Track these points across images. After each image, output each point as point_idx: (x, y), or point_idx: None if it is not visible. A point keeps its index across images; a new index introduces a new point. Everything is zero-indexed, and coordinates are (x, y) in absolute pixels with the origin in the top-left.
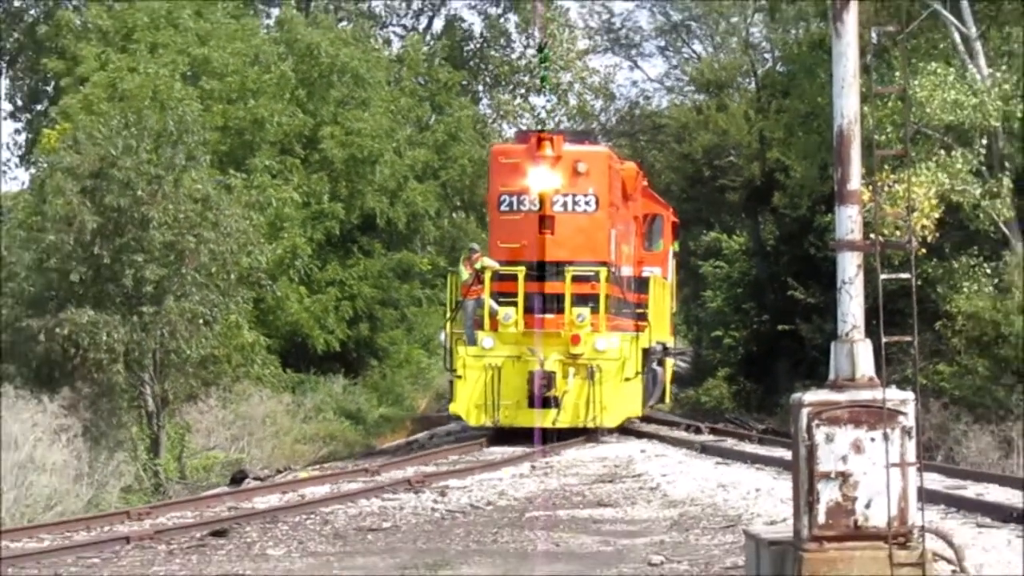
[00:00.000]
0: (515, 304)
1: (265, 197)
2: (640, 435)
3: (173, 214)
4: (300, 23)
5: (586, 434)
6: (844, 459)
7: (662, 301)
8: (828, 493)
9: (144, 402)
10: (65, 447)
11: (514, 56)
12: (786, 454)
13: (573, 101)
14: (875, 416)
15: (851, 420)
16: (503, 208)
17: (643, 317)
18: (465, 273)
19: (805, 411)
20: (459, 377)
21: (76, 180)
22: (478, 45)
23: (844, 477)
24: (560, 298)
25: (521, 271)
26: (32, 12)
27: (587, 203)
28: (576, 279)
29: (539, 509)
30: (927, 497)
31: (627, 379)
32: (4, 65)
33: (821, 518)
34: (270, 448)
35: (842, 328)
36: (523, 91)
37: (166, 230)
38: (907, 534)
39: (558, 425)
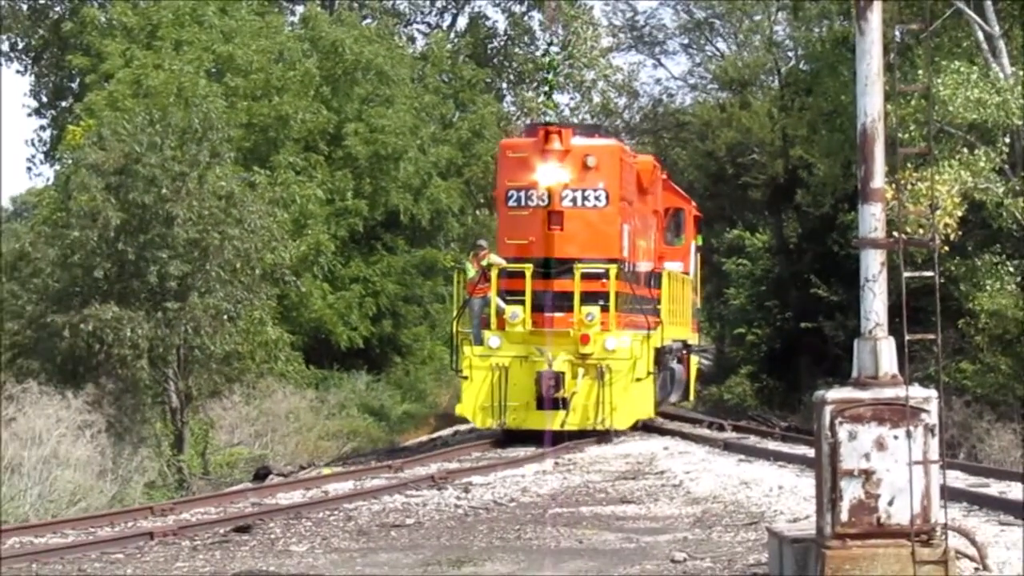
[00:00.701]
0: (523, 302)
1: (289, 194)
2: (663, 432)
3: (197, 211)
4: (324, 20)
5: (596, 436)
6: (867, 457)
7: (680, 297)
8: (851, 491)
9: (168, 398)
10: (89, 443)
11: (538, 53)
12: (809, 451)
13: (597, 98)
14: (898, 414)
15: (874, 418)
16: (511, 203)
17: (660, 314)
18: (472, 270)
19: (828, 408)
20: (465, 378)
21: (101, 176)
22: (502, 42)
23: (867, 475)
24: (569, 296)
25: (529, 268)
26: (57, 9)
27: (597, 198)
28: (585, 276)
29: (562, 506)
30: (949, 495)
31: (638, 379)
32: (29, 62)
33: (844, 516)
34: (293, 444)
35: (865, 325)
36: (547, 88)
37: (190, 227)
38: (930, 532)
39: (566, 427)
